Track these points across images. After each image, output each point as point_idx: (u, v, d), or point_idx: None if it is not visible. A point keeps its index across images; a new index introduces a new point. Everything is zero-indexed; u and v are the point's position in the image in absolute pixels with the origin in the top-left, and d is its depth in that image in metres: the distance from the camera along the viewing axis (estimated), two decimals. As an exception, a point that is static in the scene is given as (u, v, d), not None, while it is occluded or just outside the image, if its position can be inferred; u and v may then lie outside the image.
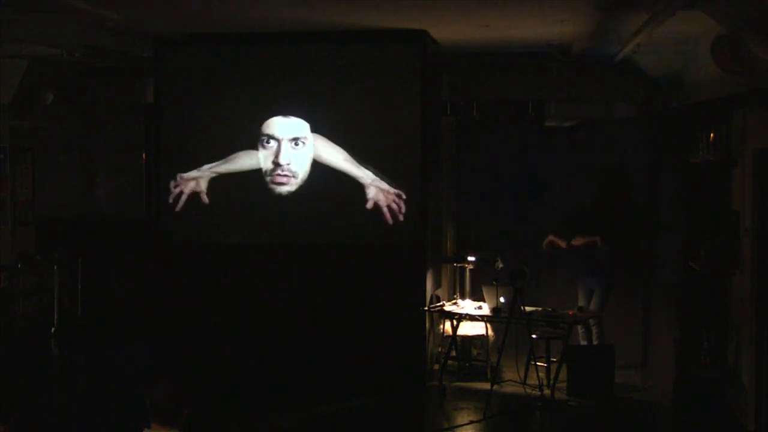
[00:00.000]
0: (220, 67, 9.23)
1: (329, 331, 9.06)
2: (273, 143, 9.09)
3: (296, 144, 9.05)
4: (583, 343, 9.27)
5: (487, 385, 8.55)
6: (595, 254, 9.30)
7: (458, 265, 9.97)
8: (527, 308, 8.50)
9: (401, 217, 8.91)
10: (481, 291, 9.08)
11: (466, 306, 9.22)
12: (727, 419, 7.57)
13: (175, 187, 9.29)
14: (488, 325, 9.32)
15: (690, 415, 7.97)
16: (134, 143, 11.31)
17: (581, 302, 9.35)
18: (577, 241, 9.37)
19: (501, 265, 9.28)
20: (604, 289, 9.29)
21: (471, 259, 9.72)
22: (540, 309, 8.92)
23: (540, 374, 8.62)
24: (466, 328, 9.39)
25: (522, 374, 8.81)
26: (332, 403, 8.41)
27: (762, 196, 7.01)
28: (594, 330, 9.19)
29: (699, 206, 8.28)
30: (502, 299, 8.71)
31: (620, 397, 8.61)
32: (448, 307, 9.20)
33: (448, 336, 9.29)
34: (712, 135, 7.83)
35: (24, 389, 8.73)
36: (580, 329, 9.25)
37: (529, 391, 8.46)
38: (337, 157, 9.00)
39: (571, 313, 8.85)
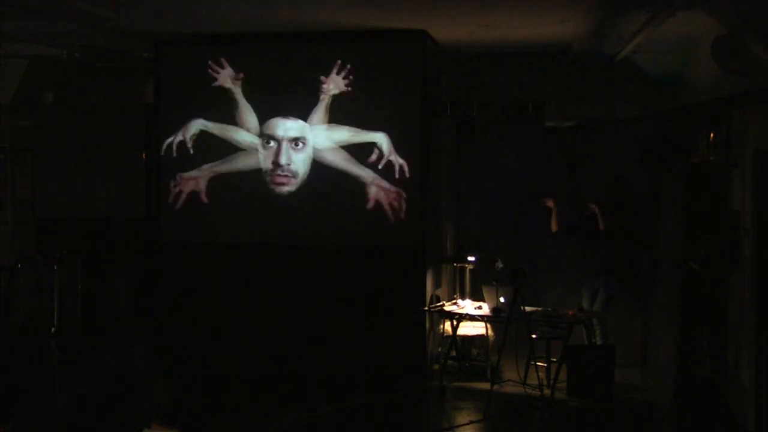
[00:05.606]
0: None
1: (329, 331, 9.05)
2: (273, 144, 9.09)
3: (296, 144, 9.05)
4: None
5: (487, 385, 8.55)
6: (599, 255, 9.31)
7: (458, 265, 9.97)
8: (527, 308, 8.50)
9: (403, 215, 8.92)
10: (481, 291, 9.08)
11: (466, 306, 9.21)
12: (727, 419, 7.57)
13: (175, 186, 9.29)
14: (488, 325, 9.32)
15: (690, 415, 7.97)
16: (134, 143, 11.30)
17: (585, 303, 9.35)
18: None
19: (501, 265, 9.27)
20: (607, 290, 9.30)
21: (471, 259, 9.72)
22: (540, 309, 8.91)
23: (540, 374, 8.61)
24: (466, 328, 9.39)
25: (522, 374, 8.79)
26: (332, 403, 8.41)
27: (762, 196, 7.01)
28: (598, 330, 9.19)
29: (699, 206, 8.28)
30: (502, 299, 8.70)
31: (620, 397, 8.61)
32: (448, 307, 9.19)
33: (448, 336, 9.29)
34: (712, 135, 7.82)
35: (24, 389, 8.73)
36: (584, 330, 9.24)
37: (529, 391, 8.45)
38: (337, 156, 9.00)
39: (571, 313, 8.84)
